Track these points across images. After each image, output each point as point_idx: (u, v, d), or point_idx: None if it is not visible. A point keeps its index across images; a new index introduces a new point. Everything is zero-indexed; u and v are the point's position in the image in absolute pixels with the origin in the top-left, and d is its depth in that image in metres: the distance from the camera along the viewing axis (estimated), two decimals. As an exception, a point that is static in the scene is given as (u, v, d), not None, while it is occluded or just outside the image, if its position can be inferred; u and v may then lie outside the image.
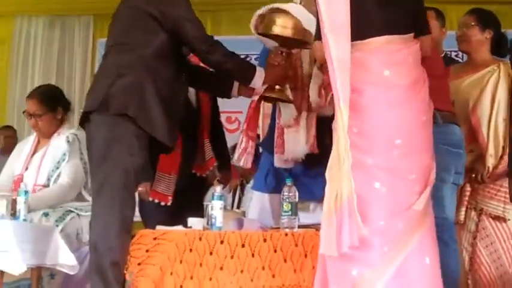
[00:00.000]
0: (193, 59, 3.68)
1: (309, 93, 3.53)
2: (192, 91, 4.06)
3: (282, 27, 3.38)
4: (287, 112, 3.59)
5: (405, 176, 2.73)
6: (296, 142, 3.57)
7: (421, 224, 2.71)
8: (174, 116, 3.33)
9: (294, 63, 3.57)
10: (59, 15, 8.16)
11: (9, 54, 8.25)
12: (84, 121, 3.30)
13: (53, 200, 3.93)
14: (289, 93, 3.57)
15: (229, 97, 3.69)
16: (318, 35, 2.84)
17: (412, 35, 2.87)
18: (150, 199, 3.90)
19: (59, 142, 4.07)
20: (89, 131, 3.27)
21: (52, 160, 4.05)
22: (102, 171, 3.17)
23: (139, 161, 3.23)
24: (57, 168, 4.02)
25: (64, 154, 4.03)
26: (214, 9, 7.26)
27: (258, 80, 3.39)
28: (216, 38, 3.47)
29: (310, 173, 3.58)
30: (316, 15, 2.83)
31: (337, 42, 2.66)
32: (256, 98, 3.46)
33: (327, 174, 2.70)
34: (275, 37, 3.46)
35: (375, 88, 2.74)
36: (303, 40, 3.41)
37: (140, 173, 3.28)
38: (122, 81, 3.19)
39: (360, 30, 2.73)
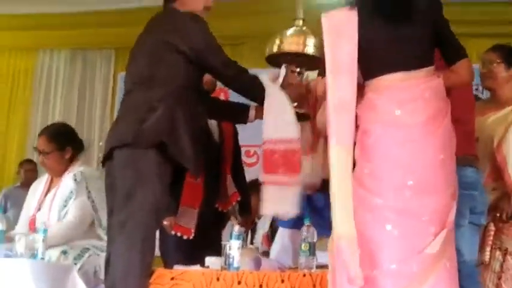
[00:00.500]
0: None
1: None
2: (214, 125, 4.07)
3: (294, 43, 3.41)
4: (303, 139, 3.59)
5: (418, 218, 2.65)
6: (313, 168, 3.55)
7: (436, 267, 2.61)
8: (200, 146, 3.33)
9: (312, 89, 3.55)
10: (81, 49, 8.22)
11: (31, 87, 8.31)
12: (107, 158, 3.29)
13: (57, 238, 3.86)
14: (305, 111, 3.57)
15: (246, 122, 3.68)
16: (323, 73, 2.82)
17: (431, 68, 2.80)
18: (173, 233, 3.90)
19: (67, 181, 4.08)
20: (112, 168, 3.25)
21: (61, 199, 4.05)
22: (126, 210, 3.14)
23: (164, 200, 3.22)
24: (65, 206, 4.02)
25: (71, 192, 4.02)
26: (234, 43, 7.29)
27: None
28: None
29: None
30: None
31: (338, 83, 2.66)
32: None
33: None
34: (287, 56, 3.49)
35: (383, 127, 2.69)
36: (317, 57, 3.41)
37: (164, 212, 3.26)
38: (154, 115, 3.19)
39: (373, 68, 2.72)
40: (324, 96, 2.84)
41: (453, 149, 2.78)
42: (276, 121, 3.30)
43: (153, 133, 3.16)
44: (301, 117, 3.47)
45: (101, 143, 7.97)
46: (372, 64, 2.69)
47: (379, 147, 2.68)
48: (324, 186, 3.54)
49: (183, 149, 3.21)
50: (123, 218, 3.14)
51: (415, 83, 2.74)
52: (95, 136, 7.97)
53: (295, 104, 3.44)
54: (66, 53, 8.22)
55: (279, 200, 3.27)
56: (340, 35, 2.74)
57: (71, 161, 4.19)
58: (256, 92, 3.36)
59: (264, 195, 3.27)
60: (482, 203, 3.43)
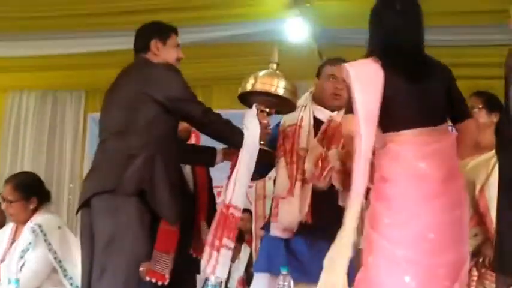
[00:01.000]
0: None
1: (306, 163, 3.58)
2: (189, 173, 4.12)
3: (267, 84, 3.51)
4: (280, 184, 3.64)
5: (436, 271, 2.68)
6: (289, 212, 3.58)
7: None
8: (177, 194, 3.36)
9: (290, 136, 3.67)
10: (51, 90, 8.17)
11: (1, 128, 8.22)
12: (83, 205, 3.28)
13: None
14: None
15: (213, 165, 3.84)
16: (350, 110, 2.85)
17: (446, 125, 2.90)
18: (148, 279, 3.86)
19: (26, 232, 4.06)
20: (91, 215, 3.24)
21: (20, 250, 4.03)
22: (105, 257, 3.15)
23: (145, 247, 3.25)
24: (22, 257, 3.99)
25: (29, 243, 4.00)
26: (205, 84, 7.38)
27: None
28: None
29: (311, 251, 3.57)
30: (348, 104, 2.89)
31: (369, 131, 2.69)
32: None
33: (325, 262, 2.67)
34: (259, 96, 3.56)
35: (408, 180, 2.72)
36: (288, 100, 3.53)
37: (144, 258, 3.27)
38: (135, 163, 3.20)
39: (397, 122, 2.77)
40: (349, 136, 2.88)
41: (467, 204, 2.86)
42: (242, 188, 3.42)
43: (134, 180, 3.18)
44: (265, 155, 3.53)
45: (71, 185, 7.94)
46: (395, 118, 2.76)
47: (403, 199, 2.72)
48: (301, 230, 3.60)
49: (161, 198, 3.23)
50: (102, 265, 3.13)
51: (438, 138, 2.81)
52: (65, 177, 7.92)
53: (262, 142, 3.51)
54: (36, 94, 8.16)
55: (227, 263, 3.39)
56: (369, 85, 2.78)
57: (35, 210, 4.16)
58: (235, 139, 3.43)
59: (221, 258, 3.35)
60: None
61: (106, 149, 3.36)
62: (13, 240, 4.17)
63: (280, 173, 3.67)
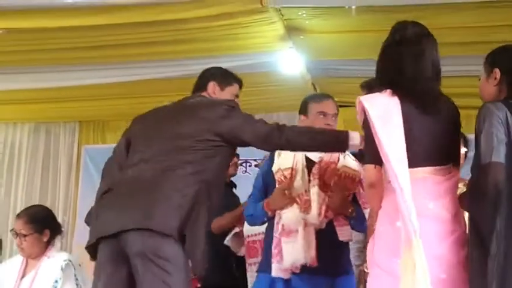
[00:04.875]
0: None
1: (311, 210, 3.58)
2: None
3: None
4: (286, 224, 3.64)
5: None
6: (295, 252, 3.56)
7: None
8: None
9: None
10: (44, 122, 8.18)
11: (-6, 161, 8.20)
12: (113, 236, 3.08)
13: None
14: None
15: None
16: (371, 160, 2.83)
17: (451, 165, 2.86)
18: None
19: (51, 268, 4.02)
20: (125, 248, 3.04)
21: (43, 286, 3.97)
22: None
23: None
24: None
25: (56, 281, 3.96)
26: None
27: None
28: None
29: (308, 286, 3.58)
30: (367, 139, 2.87)
31: (402, 172, 2.63)
32: None
33: None
34: None
35: (421, 220, 2.60)
36: None
37: None
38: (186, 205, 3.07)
39: (410, 159, 2.69)
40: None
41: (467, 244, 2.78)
42: None
43: (180, 224, 3.04)
44: None
45: (65, 217, 7.90)
46: (410, 154, 2.68)
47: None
48: (303, 271, 3.56)
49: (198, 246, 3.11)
50: None
51: (447, 178, 2.79)
52: (59, 209, 7.88)
53: None
54: (30, 126, 8.16)
55: None
56: (389, 122, 2.73)
57: (48, 244, 4.14)
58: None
59: None
60: None
61: (149, 176, 3.15)
62: (23, 275, 4.10)
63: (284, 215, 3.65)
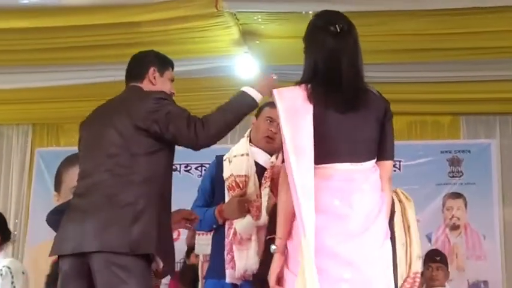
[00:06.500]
0: None
1: (262, 212, 3.57)
2: None
3: None
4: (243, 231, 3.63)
5: None
6: (248, 259, 3.55)
7: None
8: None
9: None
10: (-3, 125, 8.10)
11: None
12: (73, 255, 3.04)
13: None
14: None
15: None
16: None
17: (372, 162, 2.76)
18: None
19: None
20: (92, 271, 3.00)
21: None
22: None
23: None
24: None
25: None
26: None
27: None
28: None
29: None
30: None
31: (300, 167, 2.57)
32: None
33: None
34: None
35: (324, 217, 2.58)
36: None
37: None
38: (142, 221, 3.02)
39: (321, 155, 2.62)
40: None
41: (387, 243, 2.75)
42: None
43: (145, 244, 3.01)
44: None
45: (16, 220, 7.81)
46: (321, 151, 2.61)
47: (320, 237, 2.57)
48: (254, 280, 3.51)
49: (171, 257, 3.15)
50: None
51: (355, 177, 2.69)
52: (11, 212, 7.79)
53: None
54: (-18, 129, 8.05)
55: None
56: (298, 116, 2.66)
57: None
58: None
59: None
60: None
61: (109, 196, 3.08)
62: None
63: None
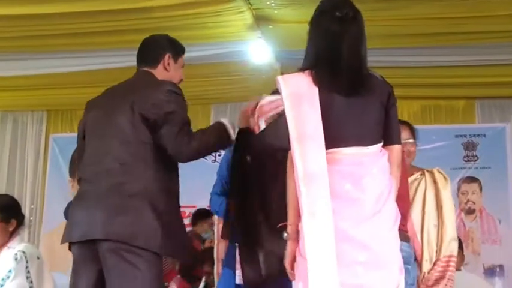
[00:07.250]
0: None
1: None
2: None
3: None
4: None
5: None
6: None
7: None
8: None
9: None
10: (11, 111, 8.13)
11: (-40, 149, 8.11)
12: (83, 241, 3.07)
13: None
14: None
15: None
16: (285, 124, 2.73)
17: (378, 146, 2.76)
18: None
19: (7, 257, 3.96)
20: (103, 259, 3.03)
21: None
22: None
23: None
24: (2, 286, 3.87)
25: (10, 271, 3.90)
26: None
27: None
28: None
29: None
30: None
31: (304, 153, 2.60)
32: None
33: None
34: None
35: (336, 202, 2.59)
36: None
37: None
38: (148, 213, 3.04)
39: (326, 140, 2.63)
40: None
41: (397, 224, 2.76)
42: None
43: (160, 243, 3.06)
44: None
45: (32, 206, 7.88)
46: (327, 135, 2.62)
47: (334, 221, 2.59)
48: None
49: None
50: None
51: (362, 160, 2.70)
52: (26, 198, 7.85)
53: None
54: (-4, 115, 8.10)
55: None
56: (303, 101, 2.67)
57: (12, 234, 4.07)
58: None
59: None
60: (413, 277, 3.53)
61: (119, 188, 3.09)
62: None
63: None
